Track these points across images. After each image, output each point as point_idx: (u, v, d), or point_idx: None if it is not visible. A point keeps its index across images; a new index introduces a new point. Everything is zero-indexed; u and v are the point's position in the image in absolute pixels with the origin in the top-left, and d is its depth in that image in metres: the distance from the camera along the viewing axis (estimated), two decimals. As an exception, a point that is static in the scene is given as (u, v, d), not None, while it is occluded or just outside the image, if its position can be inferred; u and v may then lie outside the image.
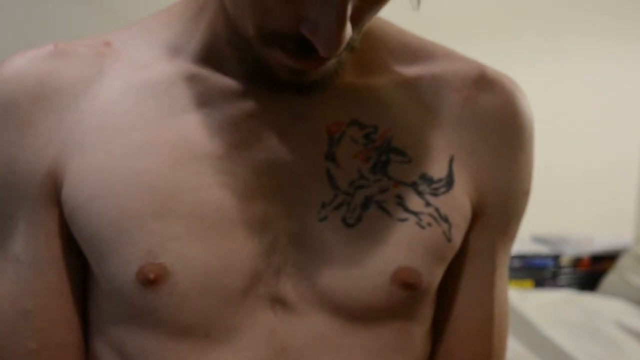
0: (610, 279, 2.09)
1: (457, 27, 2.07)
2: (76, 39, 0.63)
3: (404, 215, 0.60)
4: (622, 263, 2.10)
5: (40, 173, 0.59)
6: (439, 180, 0.61)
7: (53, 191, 0.59)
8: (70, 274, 0.62)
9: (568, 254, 2.18)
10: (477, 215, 0.64)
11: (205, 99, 0.59)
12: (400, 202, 0.60)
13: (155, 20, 0.63)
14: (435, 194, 0.61)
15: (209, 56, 0.60)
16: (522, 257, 2.13)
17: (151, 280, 0.57)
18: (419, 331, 0.65)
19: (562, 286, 2.17)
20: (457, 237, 0.62)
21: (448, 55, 0.65)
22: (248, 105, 0.59)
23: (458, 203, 0.62)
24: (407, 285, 0.59)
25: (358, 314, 0.60)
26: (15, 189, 0.59)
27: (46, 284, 0.61)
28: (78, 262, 0.62)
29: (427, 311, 0.66)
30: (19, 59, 0.60)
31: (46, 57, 0.60)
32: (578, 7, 2.26)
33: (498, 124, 0.64)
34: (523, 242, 2.19)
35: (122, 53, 0.61)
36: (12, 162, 0.59)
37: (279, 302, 0.60)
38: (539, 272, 2.16)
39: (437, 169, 0.61)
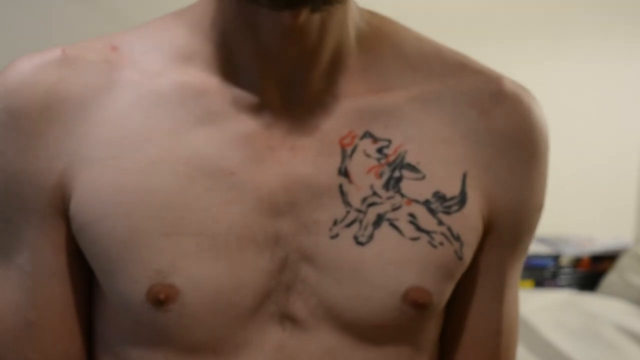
0: (610, 279, 2.10)
1: (461, 25, 2.07)
2: (73, 37, 0.62)
3: (416, 234, 0.59)
4: (622, 263, 2.10)
5: (48, 185, 0.58)
6: (452, 198, 0.60)
7: (61, 204, 0.59)
8: (75, 286, 0.61)
9: (568, 254, 2.18)
10: (488, 231, 0.64)
11: (217, 112, 0.58)
12: (413, 221, 0.59)
13: (162, 25, 0.62)
14: (447, 212, 0.60)
15: (221, 62, 0.59)
16: (522, 257, 2.13)
17: (161, 300, 0.56)
18: (426, 347, 0.64)
19: (562, 286, 2.17)
20: (468, 255, 0.62)
21: (466, 65, 0.64)
22: (260, 118, 0.59)
23: (470, 221, 0.61)
24: (417, 305, 0.59)
25: (367, 332, 0.60)
26: (23, 200, 0.59)
27: (50, 295, 0.60)
28: (84, 274, 0.62)
29: (434, 327, 0.65)
30: (26, 65, 0.58)
31: (54, 64, 0.58)
32: (579, 6, 2.25)
33: (514, 140, 0.63)
34: (523, 242, 2.19)
35: (131, 59, 0.59)
36: (20, 173, 0.58)
37: (288, 318, 0.59)
38: (539, 272, 2.16)
39: (450, 186, 0.61)
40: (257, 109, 0.59)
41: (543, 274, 2.16)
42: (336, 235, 0.59)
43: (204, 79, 0.59)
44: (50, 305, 0.61)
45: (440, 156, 0.61)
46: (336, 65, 0.60)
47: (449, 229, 0.60)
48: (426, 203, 0.60)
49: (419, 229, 0.59)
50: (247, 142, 0.58)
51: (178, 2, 0.65)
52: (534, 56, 2.21)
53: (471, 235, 0.61)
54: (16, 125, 0.57)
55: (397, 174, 0.60)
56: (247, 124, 0.58)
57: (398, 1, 1.59)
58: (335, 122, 0.59)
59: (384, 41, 0.62)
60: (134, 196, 0.57)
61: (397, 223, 0.59)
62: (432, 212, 0.60)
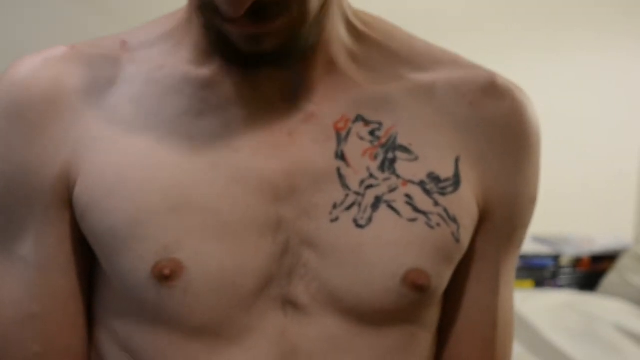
0: (610, 279, 2.10)
1: (454, 21, 2.08)
2: (73, 38, 0.63)
3: (414, 215, 0.60)
4: (622, 263, 2.10)
5: (52, 175, 0.59)
6: (446, 180, 0.61)
7: (65, 193, 0.60)
8: (78, 278, 0.62)
9: (568, 254, 2.18)
10: (483, 219, 0.64)
11: (216, 100, 0.60)
12: (409, 202, 0.60)
13: (163, 23, 0.64)
14: (443, 193, 0.61)
15: (217, 56, 0.60)
16: (522, 257, 2.13)
17: (166, 275, 0.57)
18: (426, 333, 0.65)
19: (562, 286, 2.17)
20: (465, 238, 0.63)
21: (456, 62, 0.66)
22: (257, 106, 0.60)
23: (465, 203, 0.62)
24: (416, 287, 0.60)
25: (368, 316, 0.60)
26: (27, 191, 0.60)
27: (53, 287, 0.61)
28: (85, 264, 0.63)
29: (433, 313, 0.66)
30: (33, 60, 0.60)
31: (60, 59, 0.60)
32: (579, 1, 2.25)
33: (505, 132, 0.64)
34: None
35: (138, 53, 0.62)
36: (24, 164, 0.59)
37: (290, 303, 0.60)
38: (539, 272, 2.16)
39: (444, 168, 0.62)
40: (254, 98, 0.60)
41: (543, 274, 2.17)
42: (336, 219, 0.59)
43: (204, 70, 0.60)
44: (53, 297, 0.61)
45: (431, 140, 0.62)
46: (328, 55, 0.61)
47: (445, 210, 0.61)
48: (421, 184, 0.61)
49: (416, 209, 0.60)
50: (247, 128, 0.59)
51: (177, 2, 0.67)
52: (534, 56, 2.22)
53: (467, 218, 0.62)
54: (22, 118, 0.59)
55: (390, 155, 0.61)
56: (246, 112, 0.60)
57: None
58: (329, 109, 0.61)
59: (375, 36, 0.64)
60: (140, 173, 0.58)
61: (394, 204, 0.60)
62: (427, 192, 0.61)
